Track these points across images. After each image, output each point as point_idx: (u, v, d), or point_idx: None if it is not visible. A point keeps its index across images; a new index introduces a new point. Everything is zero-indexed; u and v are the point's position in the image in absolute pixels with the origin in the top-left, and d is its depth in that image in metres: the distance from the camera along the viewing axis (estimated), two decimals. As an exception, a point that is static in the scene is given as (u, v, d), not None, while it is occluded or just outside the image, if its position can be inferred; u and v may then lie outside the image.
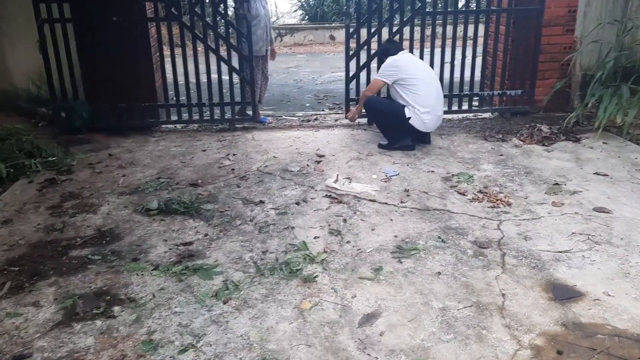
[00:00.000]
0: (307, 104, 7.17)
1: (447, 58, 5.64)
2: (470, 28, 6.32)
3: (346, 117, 5.49)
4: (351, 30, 5.46)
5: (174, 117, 5.69)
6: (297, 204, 3.85)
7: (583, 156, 4.69)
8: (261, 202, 3.90)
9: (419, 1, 5.40)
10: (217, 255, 3.18)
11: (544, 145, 5.00)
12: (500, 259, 3.08)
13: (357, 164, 4.62)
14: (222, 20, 5.37)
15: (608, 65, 5.16)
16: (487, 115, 5.94)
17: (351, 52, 5.51)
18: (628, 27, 5.53)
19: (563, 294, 2.74)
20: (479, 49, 6.00)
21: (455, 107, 5.82)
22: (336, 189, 4.06)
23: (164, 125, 5.72)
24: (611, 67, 5.20)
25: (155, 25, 5.37)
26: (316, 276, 2.93)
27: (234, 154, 4.91)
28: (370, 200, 3.88)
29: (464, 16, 5.56)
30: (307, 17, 15.48)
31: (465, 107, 5.82)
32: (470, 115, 5.91)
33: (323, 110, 6.74)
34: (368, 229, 3.48)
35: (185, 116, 5.70)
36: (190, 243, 3.32)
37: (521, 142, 5.08)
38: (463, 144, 5.09)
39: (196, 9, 5.31)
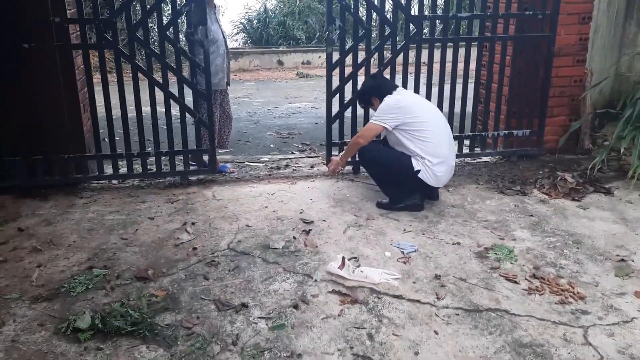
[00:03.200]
0: (271, 144, 6.05)
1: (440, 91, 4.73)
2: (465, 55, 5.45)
3: (328, 170, 4.41)
4: (334, 59, 4.43)
5: (108, 171, 4.41)
6: (295, 307, 2.73)
7: (628, 215, 3.85)
8: (243, 306, 2.74)
9: (415, 26, 4.46)
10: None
11: (573, 199, 4.14)
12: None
13: (358, 233, 3.56)
14: (172, 48, 4.20)
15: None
16: (488, 158, 5.06)
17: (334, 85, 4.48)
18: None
19: None
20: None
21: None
22: (344, 278, 2.97)
23: (95, 182, 4.43)
24: (642, 105, 4.44)
25: (83, 53, 4.12)
26: None
27: (193, 223, 3.72)
28: (394, 296, 2.82)
29: (466, 44, 4.68)
30: (250, 40, 14.40)
31: (465, 149, 4.91)
32: (469, 159, 5.00)
33: (292, 152, 5.65)
34: (408, 351, 2.40)
35: (123, 169, 4.44)
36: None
37: (546, 196, 4.19)
38: (478, 199, 4.15)
39: (138, 34, 4.11)
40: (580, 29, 4.78)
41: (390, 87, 3.97)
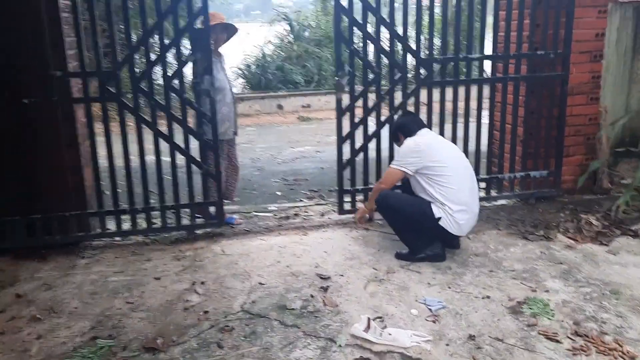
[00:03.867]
0: (277, 192, 5.87)
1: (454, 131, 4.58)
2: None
3: (355, 219, 4.29)
4: (344, 104, 4.29)
5: (110, 227, 4.21)
6: (321, 378, 2.49)
7: (663, 259, 3.65)
8: (264, 378, 2.50)
9: (425, 69, 4.35)
10: None
11: (601, 244, 3.94)
12: None
13: (380, 289, 3.34)
14: (178, 98, 4.06)
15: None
16: (505, 201, 4.86)
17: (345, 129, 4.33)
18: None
19: None
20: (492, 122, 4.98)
21: (470, 195, 4.70)
22: (371, 342, 2.74)
23: (96, 240, 4.21)
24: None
25: (85, 106, 3.97)
26: None
27: (203, 282, 3.49)
28: (428, 362, 2.58)
29: (478, 85, 4.56)
30: (249, 85, 14.40)
31: (481, 192, 4.72)
32: (486, 202, 4.81)
33: (300, 200, 5.46)
34: None
35: (126, 223, 4.24)
36: None
37: (572, 241, 3.99)
38: (501, 246, 3.94)
39: (141, 85, 3.98)
40: (592, 67, 4.68)
41: (415, 127, 3.82)
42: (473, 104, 4.60)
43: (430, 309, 3.06)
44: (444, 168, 3.59)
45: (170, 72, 3.98)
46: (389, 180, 3.77)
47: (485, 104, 4.57)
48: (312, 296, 3.26)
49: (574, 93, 4.68)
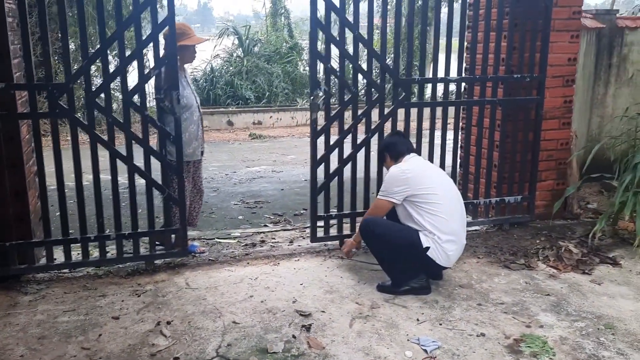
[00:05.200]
0: (239, 216, 5.51)
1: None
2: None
3: (342, 252, 4.01)
4: (319, 126, 4.04)
5: (58, 258, 3.74)
6: None
7: (647, 289, 3.59)
8: None
9: (403, 90, 4.17)
10: None
11: (584, 272, 3.85)
12: None
13: (367, 326, 3.07)
14: (139, 116, 3.68)
15: None
16: (479, 227, 4.74)
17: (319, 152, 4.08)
18: None
19: None
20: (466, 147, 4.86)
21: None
22: (368, 392, 2.46)
23: (42, 273, 3.74)
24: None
25: (32, 123, 3.52)
26: None
27: (169, 322, 3.11)
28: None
29: (455, 108, 4.43)
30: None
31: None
32: (460, 228, 4.66)
33: (265, 225, 5.13)
34: None
35: (76, 254, 3.79)
36: None
37: (554, 270, 3.89)
38: (484, 276, 3.78)
39: (97, 100, 3.58)
40: (564, 92, 4.66)
41: (404, 149, 3.62)
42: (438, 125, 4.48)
43: (425, 350, 2.83)
44: (434, 196, 3.39)
45: (130, 87, 3.60)
46: (377, 213, 3.54)
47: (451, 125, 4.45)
48: (294, 337, 2.96)
49: (547, 117, 4.63)
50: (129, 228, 3.82)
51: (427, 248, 3.36)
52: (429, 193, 3.37)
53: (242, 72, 14.13)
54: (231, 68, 14.50)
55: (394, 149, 3.62)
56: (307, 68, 13.62)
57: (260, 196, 6.30)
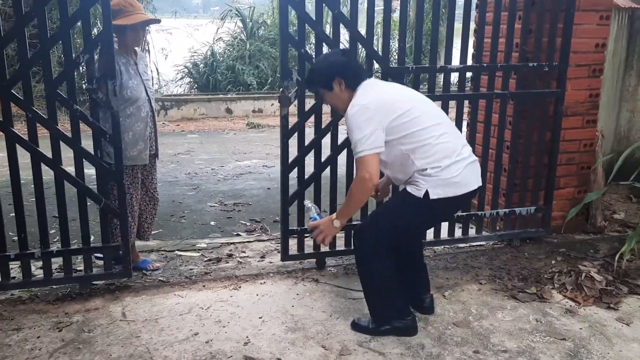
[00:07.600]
0: (211, 221, 4.86)
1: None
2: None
3: (317, 240, 2.94)
4: (290, 123, 3.36)
5: (-27, 280, 3.14)
6: None
7: (690, 334, 2.87)
8: None
9: (394, 80, 3.45)
10: None
11: (608, 307, 3.14)
12: None
13: (330, 384, 2.42)
14: (67, 110, 3.03)
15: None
16: (484, 242, 4.04)
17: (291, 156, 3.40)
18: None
19: None
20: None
21: (444, 234, 3.86)
22: None
23: (-49, 298, 3.14)
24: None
25: None
26: None
27: (85, 371, 2.49)
28: None
29: (457, 102, 3.72)
30: (196, 86, 13.27)
31: (458, 231, 3.89)
32: (463, 244, 3.97)
33: (238, 234, 4.48)
34: None
35: (-3, 273, 3.18)
36: None
37: (571, 302, 3.19)
38: (485, 310, 3.09)
39: (14, 91, 2.93)
40: (590, 84, 3.92)
41: (362, 75, 2.74)
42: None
43: None
44: (414, 120, 2.61)
45: (55, 75, 2.95)
46: (372, 170, 2.58)
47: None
48: (235, 398, 2.32)
49: (567, 114, 3.91)
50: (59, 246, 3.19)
51: (429, 197, 2.59)
52: (409, 119, 2.59)
53: (244, 57, 13.40)
54: (234, 52, 13.79)
55: (350, 69, 2.72)
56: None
57: (242, 196, 5.64)
